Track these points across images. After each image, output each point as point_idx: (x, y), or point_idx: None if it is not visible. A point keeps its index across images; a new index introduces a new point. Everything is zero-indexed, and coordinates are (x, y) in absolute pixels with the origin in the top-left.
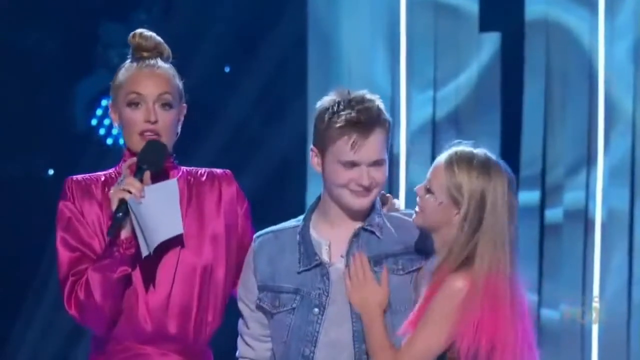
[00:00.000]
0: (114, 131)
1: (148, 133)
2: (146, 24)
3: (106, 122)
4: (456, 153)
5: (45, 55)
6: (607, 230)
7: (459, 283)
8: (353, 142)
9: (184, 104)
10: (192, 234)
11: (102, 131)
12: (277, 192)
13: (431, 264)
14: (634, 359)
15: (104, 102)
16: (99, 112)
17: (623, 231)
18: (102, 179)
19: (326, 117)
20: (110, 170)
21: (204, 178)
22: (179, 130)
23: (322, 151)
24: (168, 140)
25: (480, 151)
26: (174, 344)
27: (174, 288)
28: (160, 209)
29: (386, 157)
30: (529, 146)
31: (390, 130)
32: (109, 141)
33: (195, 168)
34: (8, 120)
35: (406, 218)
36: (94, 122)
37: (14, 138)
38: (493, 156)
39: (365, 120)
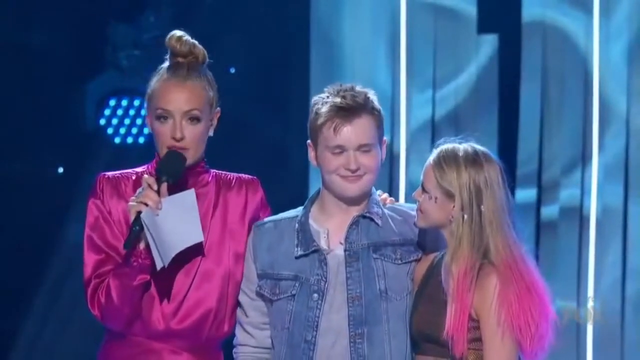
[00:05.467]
0: (122, 130)
1: (175, 148)
2: (154, 25)
3: (114, 121)
4: (442, 150)
5: (55, 55)
6: (602, 226)
7: (492, 279)
8: (335, 125)
9: (218, 109)
10: (214, 241)
11: (110, 130)
12: (278, 192)
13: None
14: (628, 353)
15: (112, 102)
16: (107, 111)
17: (617, 228)
18: (134, 177)
19: (315, 108)
20: (142, 169)
21: (232, 184)
22: (212, 133)
23: (315, 143)
24: (196, 151)
25: (466, 145)
26: (186, 342)
27: (191, 293)
28: (179, 219)
29: (376, 143)
30: (525, 145)
31: (381, 121)
32: (117, 140)
33: (225, 173)
34: (18, 119)
35: (406, 210)
36: (102, 121)
37: (24, 137)
38: (481, 148)
39: (349, 105)
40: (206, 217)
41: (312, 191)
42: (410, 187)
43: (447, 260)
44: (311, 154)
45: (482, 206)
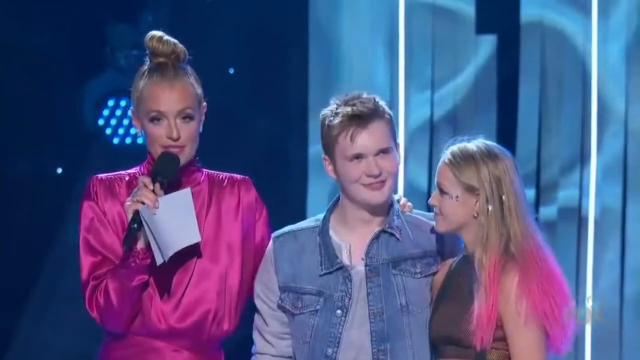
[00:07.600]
0: (121, 131)
1: (172, 148)
2: (153, 25)
3: (113, 122)
4: (455, 149)
5: (54, 56)
6: (600, 227)
7: (511, 273)
8: (351, 134)
9: (204, 104)
10: (209, 239)
11: (108, 131)
12: (278, 192)
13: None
14: (627, 353)
15: (110, 103)
16: (105, 112)
17: (616, 228)
18: (127, 178)
19: (327, 121)
20: (135, 170)
21: (224, 183)
22: (201, 129)
23: (332, 155)
24: (191, 149)
25: (477, 142)
26: (187, 341)
27: (188, 291)
28: (175, 218)
29: (393, 146)
30: (524, 145)
31: (393, 125)
32: (116, 141)
33: (217, 172)
34: (17, 118)
35: (424, 219)
36: (100, 122)
37: (23, 137)
38: (491, 142)
39: (361, 112)
40: (200, 215)
41: (311, 192)
42: (410, 187)
43: (478, 255)
44: (328, 167)
45: (503, 196)
